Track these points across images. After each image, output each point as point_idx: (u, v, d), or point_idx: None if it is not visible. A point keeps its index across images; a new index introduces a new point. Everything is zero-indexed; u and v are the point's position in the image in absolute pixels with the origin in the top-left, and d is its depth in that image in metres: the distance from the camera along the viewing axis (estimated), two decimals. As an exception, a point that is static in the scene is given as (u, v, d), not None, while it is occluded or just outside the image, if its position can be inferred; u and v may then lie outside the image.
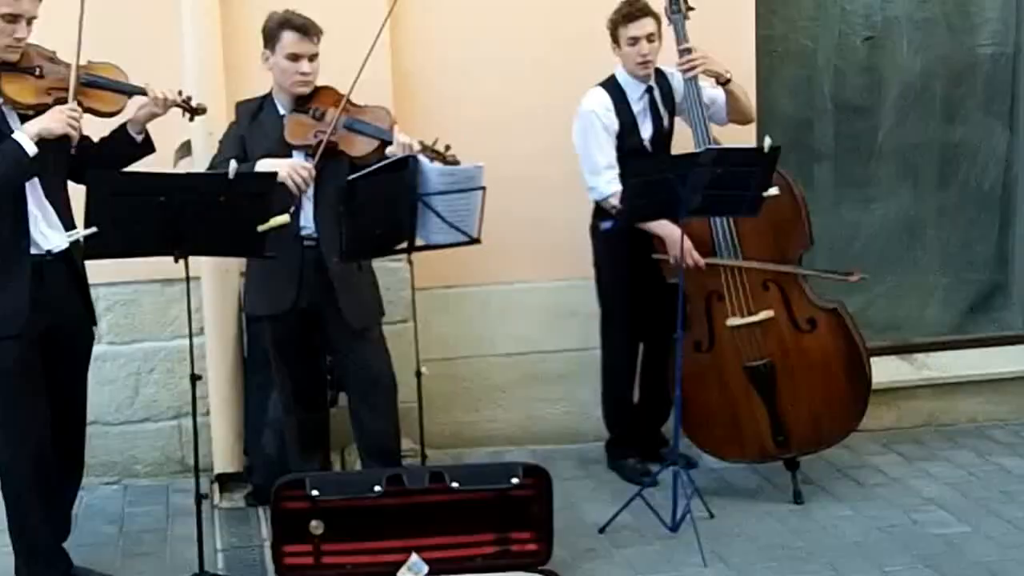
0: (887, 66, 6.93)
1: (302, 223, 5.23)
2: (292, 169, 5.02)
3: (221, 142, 5.35)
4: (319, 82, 5.31)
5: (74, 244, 4.53)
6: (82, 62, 4.69)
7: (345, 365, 5.47)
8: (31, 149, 4.43)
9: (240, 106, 5.41)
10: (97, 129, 4.91)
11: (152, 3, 5.78)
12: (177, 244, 4.56)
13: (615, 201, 5.49)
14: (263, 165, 5.05)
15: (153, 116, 4.87)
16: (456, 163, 5.17)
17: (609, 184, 5.67)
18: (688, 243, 5.45)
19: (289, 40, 5.18)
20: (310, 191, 5.19)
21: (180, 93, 4.94)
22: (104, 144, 4.90)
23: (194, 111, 5.02)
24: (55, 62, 4.71)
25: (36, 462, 4.77)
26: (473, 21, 6.19)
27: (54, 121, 4.51)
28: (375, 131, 5.21)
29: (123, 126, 4.90)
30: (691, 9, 5.73)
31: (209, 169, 5.23)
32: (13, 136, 4.45)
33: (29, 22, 4.53)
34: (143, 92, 4.84)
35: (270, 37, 5.23)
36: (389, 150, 5.10)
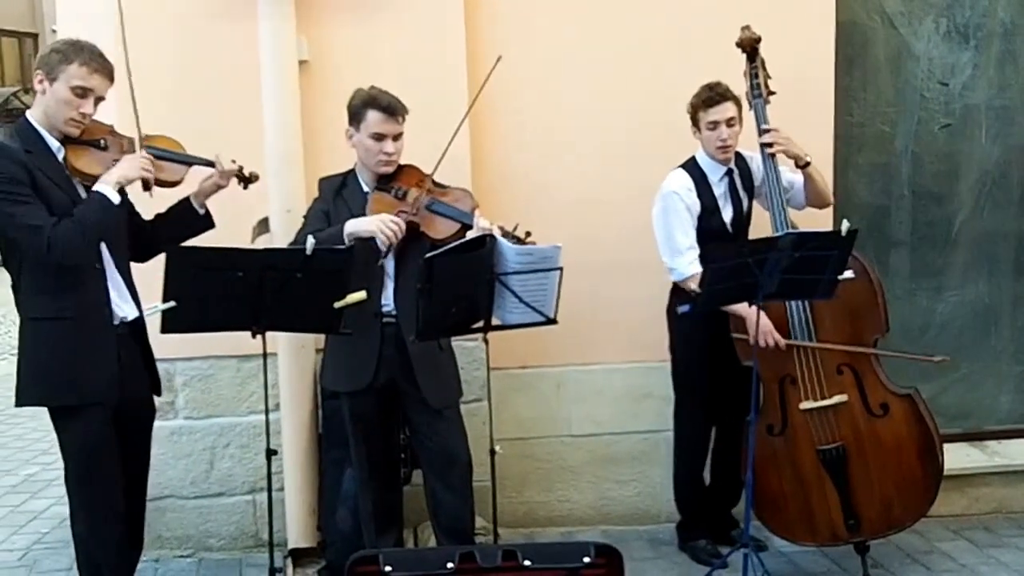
0: (965, 153, 6.91)
1: (383, 301, 5.24)
2: (382, 223, 5.01)
3: (306, 217, 5.39)
4: (402, 160, 5.34)
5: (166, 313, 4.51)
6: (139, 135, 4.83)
7: (422, 443, 5.44)
8: (115, 198, 4.55)
9: (324, 182, 5.44)
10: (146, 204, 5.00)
11: (234, 80, 5.88)
12: (255, 319, 4.62)
13: (694, 284, 5.47)
14: (352, 224, 5.07)
15: (218, 188, 4.98)
16: None
17: (690, 265, 5.67)
18: (768, 323, 5.46)
19: (374, 119, 5.19)
20: (391, 269, 5.22)
21: (233, 162, 5.01)
22: (165, 218, 4.99)
23: (247, 180, 5.10)
24: (115, 135, 4.83)
25: (114, 534, 4.83)
26: (553, 102, 6.26)
27: (130, 168, 4.63)
28: (456, 214, 5.21)
29: (186, 200, 4.99)
30: (772, 93, 5.77)
31: (293, 244, 5.25)
32: (96, 188, 4.56)
33: (97, 100, 4.65)
34: (204, 163, 4.95)
35: (355, 115, 5.25)
36: (469, 234, 5.07)
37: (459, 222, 5.19)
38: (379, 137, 5.20)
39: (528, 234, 5.10)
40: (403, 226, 5.07)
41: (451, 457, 5.39)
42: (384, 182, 5.31)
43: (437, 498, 5.45)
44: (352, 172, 5.40)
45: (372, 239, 5.03)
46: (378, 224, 5.02)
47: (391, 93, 5.25)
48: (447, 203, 5.26)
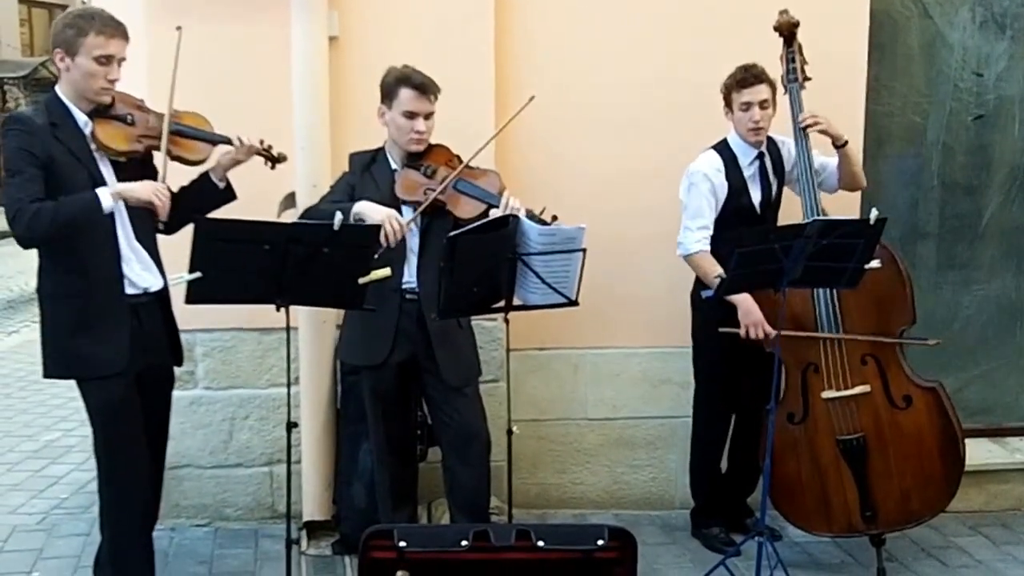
0: (997, 146, 6.84)
1: (405, 277, 5.24)
2: (388, 218, 5.01)
3: (332, 187, 5.42)
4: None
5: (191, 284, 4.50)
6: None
7: (441, 420, 5.41)
8: (107, 205, 4.53)
9: (354, 156, 5.43)
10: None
11: (263, 54, 5.86)
12: (279, 293, 4.60)
13: (707, 265, 5.51)
14: (363, 205, 5.09)
15: (236, 163, 4.96)
16: None
17: (696, 243, 5.65)
18: (758, 314, 5.47)
19: (406, 97, 5.19)
20: (415, 245, 5.24)
21: (262, 142, 5.00)
22: (186, 192, 4.96)
23: (275, 159, 5.08)
24: (143, 110, 4.83)
25: (140, 500, 4.88)
26: (580, 82, 6.21)
27: (143, 191, 4.62)
28: (482, 194, 5.20)
29: (205, 174, 4.99)
30: (808, 79, 5.72)
31: (311, 209, 5.28)
32: (96, 190, 4.55)
33: (119, 63, 4.65)
34: (229, 141, 4.93)
35: (387, 93, 5.24)
36: (493, 213, 5.07)
37: (485, 203, 5.18)
38: (411, 115, 5.20)
39: (555, 218, 5.10)
40: (406, 229, 5.08)
41: (469, 435, 5.37)
42: (413, 160, 5.31)
43: (454, 475, 5.44)
44: (382, 149, 5.40)
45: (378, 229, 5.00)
46: (384, 217, 5.01)
47: (424, 72, 5.24)
48: (474, 183, 5.25)
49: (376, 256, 4.90)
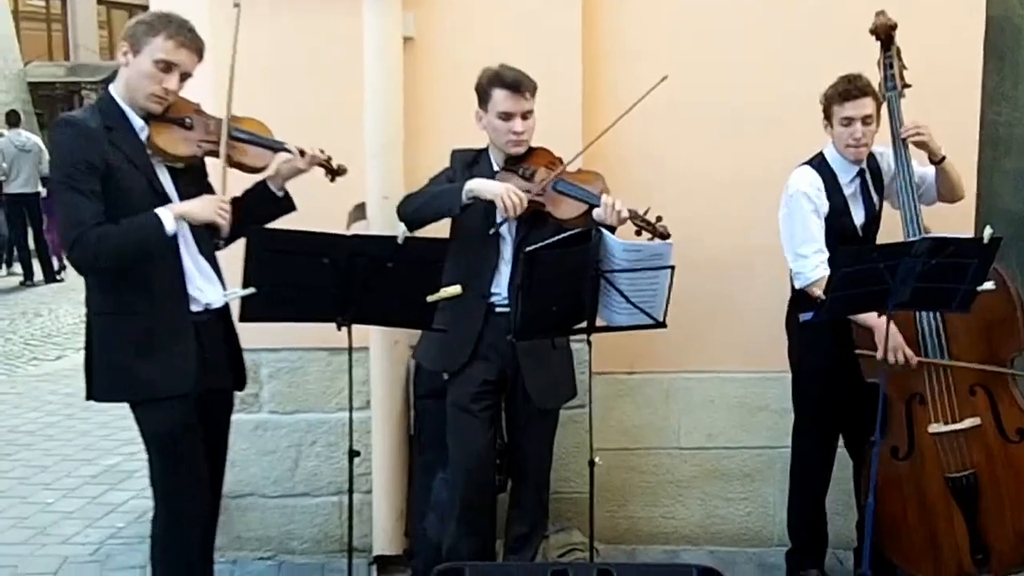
0: (1122, 160, 6.49)
1: (493, 288, 5.09)
2: (507, 191, 4.87)
3: (431, 179, 5.29)
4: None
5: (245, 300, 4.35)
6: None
7: (515, 442, 5.31)
8: (170, 228, 4.34)
9: (456, 153, 5.30)
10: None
11: (334, 57, 5.70)
12: (341, 311, 4.44)
13: (819, 290, 5.10)
14: (476, 183, 4.98)
15: (297, 173, 4.75)
16: (667, 235, 4.94)
17: (816, 270, 5.28)
18: (899, 337, 5.12)
19: (500, 98, 5.04)
20: (508, 255, 5.09)
21: (322, 152, 4.81)
22: (243, 201, 4.75)
23: (335, 172, 4.91)
24: (201, 114, 4.64)
25: (199, 532, 4.69)
26: (674, 79, 5.86)
27: (203, 210, 4.44)
28: (584, 194, 5.03)
29: (263, 183, 4.77)
30: (907, 86, 5.39)
31: (414, 195, 5.22)
32: (156, 211, 4.35)
33: (183, 77, 4.46)
34: (288, 150, 4.73)
35: (482, 95, 5.11)
36: (596, 213, 4.92)
37: (586, 202, 5.01)
38: (507, 116, 5.06)
39: (659, 218, 4.97)
40: (525, 201, 4.91)
41: (533, 462, 5.32)
42: (513, 162, 5.17)
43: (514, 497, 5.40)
44: (485, 150, 5.28)
45: (491, 205, 4.91)
46: (503, 190, 4.88)
47: (518, 69, 5.08)
48: (574, 183, 5.08)
49: (492, 231, 4.99)
